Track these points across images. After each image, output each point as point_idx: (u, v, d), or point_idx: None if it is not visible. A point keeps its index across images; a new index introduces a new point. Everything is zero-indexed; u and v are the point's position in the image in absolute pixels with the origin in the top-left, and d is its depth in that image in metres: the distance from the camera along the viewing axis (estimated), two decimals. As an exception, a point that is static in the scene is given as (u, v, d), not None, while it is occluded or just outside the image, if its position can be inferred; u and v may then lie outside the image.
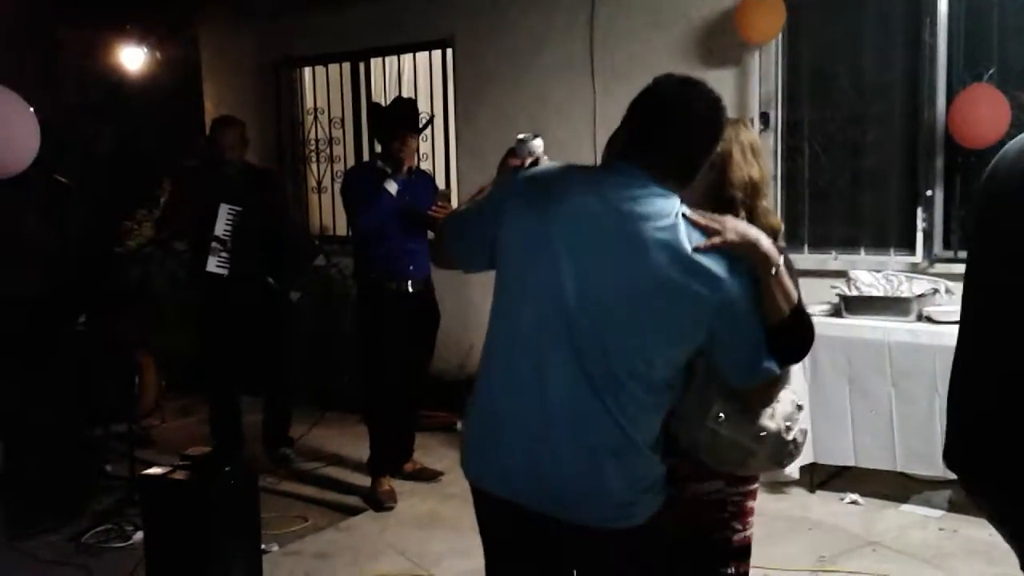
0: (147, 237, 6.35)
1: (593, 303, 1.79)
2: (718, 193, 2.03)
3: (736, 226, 1.81)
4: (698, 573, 2.09)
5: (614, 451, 1.81)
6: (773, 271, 1.79)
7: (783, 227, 2.17)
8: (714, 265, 1.76)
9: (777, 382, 1.89)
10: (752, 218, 2.01)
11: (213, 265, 4.67)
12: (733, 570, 2.09)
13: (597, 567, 1.94)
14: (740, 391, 1.88)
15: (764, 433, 1.91)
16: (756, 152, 2.10)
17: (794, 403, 1.98)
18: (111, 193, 6.83)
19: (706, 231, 1.78)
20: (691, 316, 1.77)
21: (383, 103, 5.59)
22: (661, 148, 1.84)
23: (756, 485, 2.14)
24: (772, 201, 2.09)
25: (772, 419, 1.92)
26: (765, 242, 1.81)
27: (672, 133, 1.85)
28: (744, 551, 2.11)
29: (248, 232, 4.70)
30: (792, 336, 1.85)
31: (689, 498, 2.03)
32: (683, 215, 1.80)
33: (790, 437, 1.94)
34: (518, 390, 1.86)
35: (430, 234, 4.57)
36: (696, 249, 1.75)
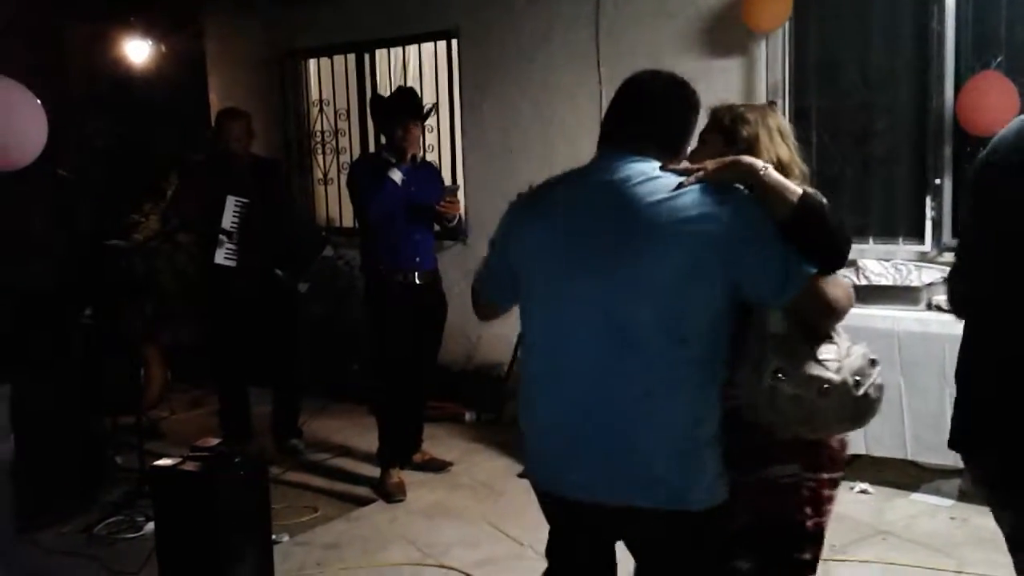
0: (153, 230, 6.37)
1: (617, 286, 1.85)
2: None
3: (708, 161, 1.88)
4: (772, 558, 2.09)
5: (666, 437, 1.84)
6: (760, 173, 1.83)
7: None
8: (702, 201, 1.81)
9: (833, 299, 1.86)
10: None
11: (221, 257, 4.68)
12: (809, 555, 2.09)
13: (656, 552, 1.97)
14: (798, 313, 1.88)
15: (827, 386, 1.87)
16: (784, 135, 2.15)
17: (866, 356, 1.95)
18: (117, 186, 6.85)
19: (685, 173, 1.86)
20: (702, 256, 1.80)
21: (387, 94, 5.59)
22: (629, 127, 1.98)
23: (837, 475, 2.12)
24: (806, 182, 2.09)
25: (838, 372, 1.89)
26: (744, 158, 1.87)
27: (635, 110, 1.99)
28: (818, 537, 2.10)
29: (255, 224, 4.71)
30: (811, 230, 1.83)
31: (764, 481, 2.03)
32: (661, 167, 1.89)
33: (860, 392, 1.89)
34: (566, 393, 1.92)
35: (436, 227, 4.59)
36: (680, 186, 1.83)
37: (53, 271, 5.42)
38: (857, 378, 1.91)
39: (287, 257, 4.86)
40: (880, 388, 1.97)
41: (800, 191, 1.84)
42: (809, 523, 2.08)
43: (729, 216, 1.80)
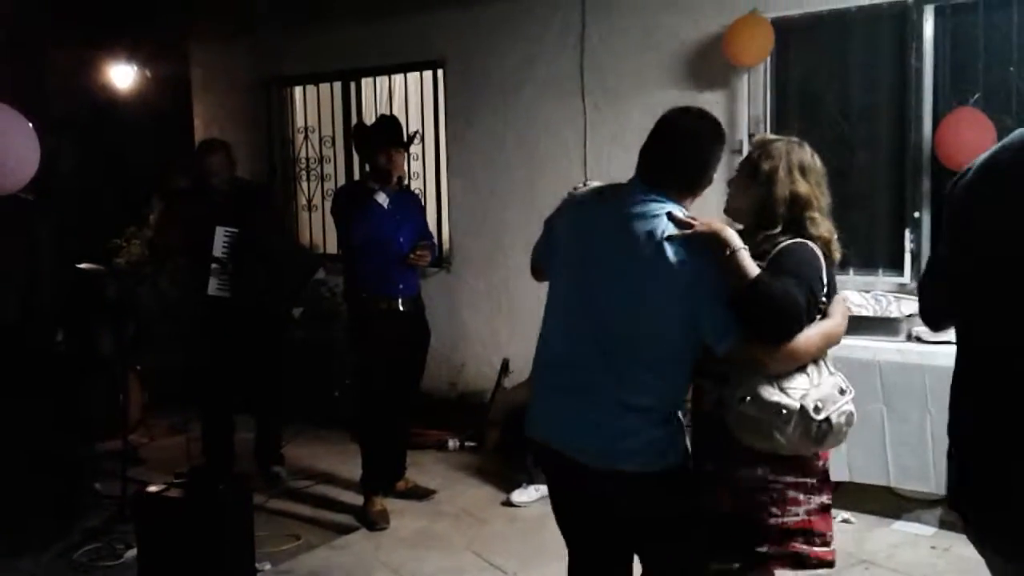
0: (135, 255, 6.34)
1: (601, 293, 2.27)
2: (764, 205, 2.36)
3: (709, 222, 2.20)
4: (738, 548, 2.37)
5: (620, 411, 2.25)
6: (727, 252, 2.14)
7: (834, 236, 2.39)
8: (681, 250, 2.17)
9: (770, 353, 2.17)
10: (800, 229, 2.33)
11: (214, 288, 4.67)
12: (766, 549, 2.34)
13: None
14: (734, 359, 2.20)
15: (785, 411, 2.16)
16: (805, 171, 2.39)
17: (836, 386, 2.23)
18: (98, 211, 6.83)
19: (679, 224, 2.19)
20: (670, 289, 2.18)
21: (370, 123, 5.64)
22: (653, 165, 2.33)
23: (808, 480, 2.37)
24: (825, 214, 2.41)
25: (801, 399, 2.17)
26: (725, 233, 2.17)
27: (659, 151, 2.33)
28: (782, 535, 2.35)
29: (246, 253, 4.70)
30: (753, 308, 2.14)
31: (737, 480, 2.34)
32: (668, 213, 2.22)
33: (820, 417, 2.16)
34: (558, 363, 2.38)
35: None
36: (669, 237, 2.17)
37: (23, 296, 5.37)
38: (818, 404, 2.18)
39: (280, 282, 4.86)
40: (848, 415, 2.23)
41: (754, 277, 2.14)
42: (772, 521, 2.34)
43: (695, 271, 2.16)
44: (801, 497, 2.36)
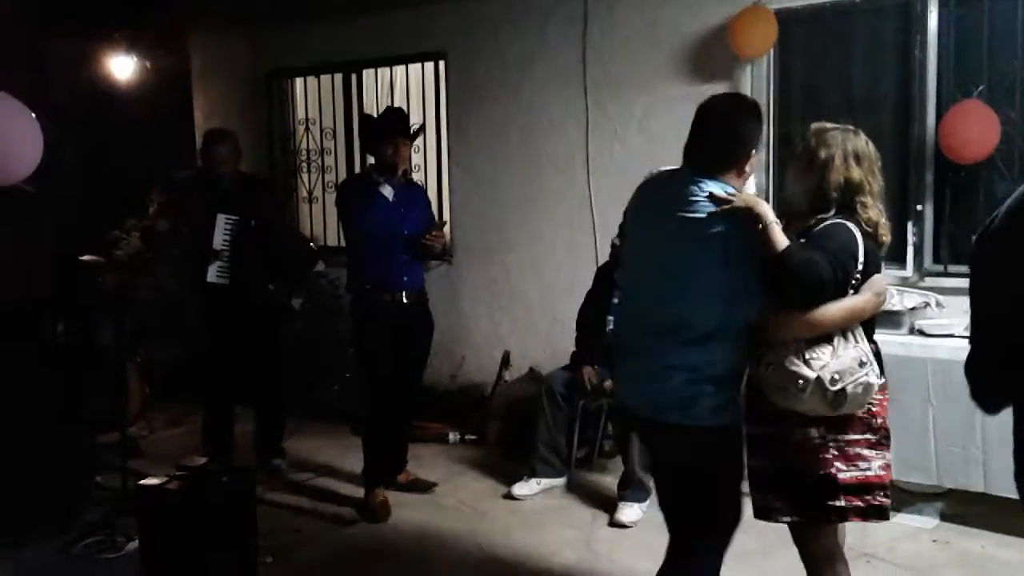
0: (136, 247, 6.32)
1: (656, 270, 2.55)
2: (819, 190, 2.53)
3: (745, 198, 2.41)
4: (810, 505, 2.54)
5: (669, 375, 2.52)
6: (760, 226, 2.35)
7: (882, 219, 2.57)
8: (720, 225, 2.40)
9: (790, 320, 2.40)
10: (850, 213, 2.50)
11: (213, 276, 4.66)
12: (843, 503, 2.52)
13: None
14: (766, 326, 2.43)
15: (802, 381, 2.37)
16: (860, 157, 2.55)
17: (857, 360, 2.42)
18: (99, 203, 6.81)
19: (718, 202, 2.40)
20: (712, 263, 2.42)
21: (375, 115, 5.61)
22: (695, 148, 2.55)
23: (869, 436, 2.55)
24: (877, 198, 2.60)
25: (821, 370, 2.37)
26: (760, 207, 2.37)
27: (697, 133, 2.56)
28: (855, 488, 2.52)
29: (246, 241, 4.70)
30: (779, 276, 2.36)
31: (796, 441, 2.53)
32: (709, 193, 2.42)
33: (835, 388, 2.37)
34: (625, 334, 2.74)
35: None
36: (711, 214, 2.40)
37: (24, 286, 5.38)
38: (835, 376, 2.38)
39: (280, 273, 4.85)
40: (866, 386, 2.42)
41: (784, 247, 2.34)
42: (842, 476, 2.51)
43: (732, 243, 2.40)
44: (866, 452, 2.54)
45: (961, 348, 4.06)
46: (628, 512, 4.25)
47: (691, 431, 2.52)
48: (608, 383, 4.52)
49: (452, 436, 5.56)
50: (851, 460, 2.53)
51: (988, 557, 3.77)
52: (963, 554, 3.79)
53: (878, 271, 2.53)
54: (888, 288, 2.53)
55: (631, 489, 4.32)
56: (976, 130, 4.23)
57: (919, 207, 4.58)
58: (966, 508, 4.08)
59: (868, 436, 2.55)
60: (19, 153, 3.38)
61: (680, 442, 2.56)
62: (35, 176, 3.78)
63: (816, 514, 2.56)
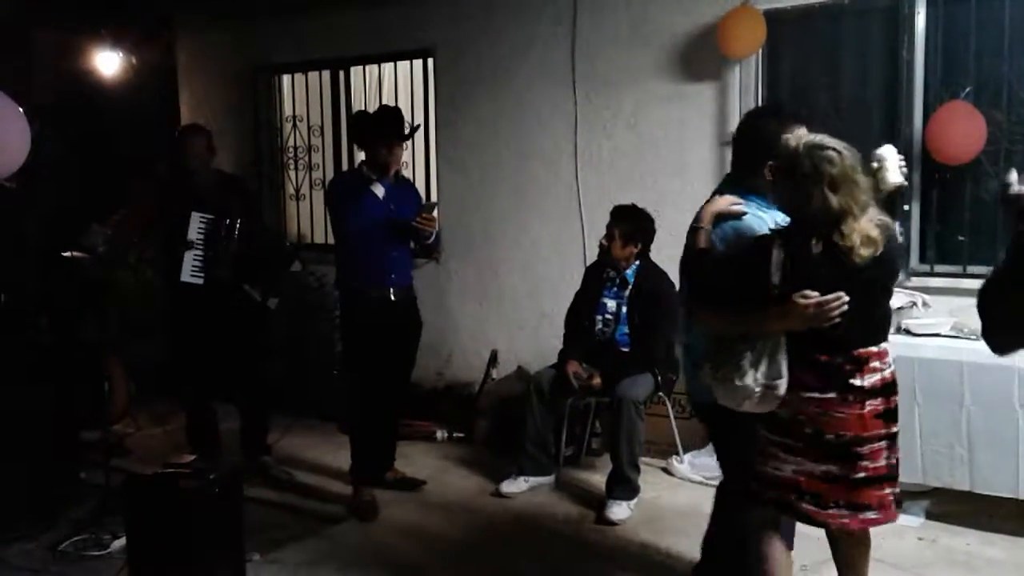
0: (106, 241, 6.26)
1: None
2: (799, 210, 2.55)
3: (721, 200, 2.78)
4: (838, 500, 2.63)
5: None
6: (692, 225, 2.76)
7: (865, 234, 2.51)
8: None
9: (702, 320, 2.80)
10: (833, 237, 2.50)
11: (187, 274, 4.62)
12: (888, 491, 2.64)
13: None
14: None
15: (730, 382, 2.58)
16: (837, 184, 2.48)
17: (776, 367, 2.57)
18: (83, 198, 6.76)
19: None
20: None
21: (366, 111, 5.59)
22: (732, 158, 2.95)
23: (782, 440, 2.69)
24: (865, 212, 2.55)
25: (716, 373, 2.64)
26: (707, 208, 2.76)
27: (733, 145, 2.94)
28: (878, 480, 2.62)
29: (221, 240, 4.67)
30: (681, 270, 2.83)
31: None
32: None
33: (757, 389, 2.56)
34: None
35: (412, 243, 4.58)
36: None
37: (7, 282, 5.33)
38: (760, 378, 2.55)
39: (255, 272, 4.81)
40: (770, 387, 2.55)
41: (697, 248, 2.75)
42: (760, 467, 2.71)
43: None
44: (782, 455, 2.66)
45: (947, 348, 4.12)
46: (616, 510, 4.25)
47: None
48: (597, 380, 4.54)
49: (440, 434, 5.55)
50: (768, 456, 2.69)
51: (973, 555, 3.80)
52: (949, 552, 3.82)
53: (817, 289, 2.49)
54: (815, 310, 2.47)
55: (619, 487, 4.33)
56: (963, 131, 4.26)
57: (906, 207, 4.60)
58: (952, 507, 4.11)
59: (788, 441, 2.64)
60: (8, 147, 3.34)
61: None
62: (19, 171, 3.75)
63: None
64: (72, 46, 7.02)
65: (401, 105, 6.03)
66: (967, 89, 4.40)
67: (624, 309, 4.64)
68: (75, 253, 5.03)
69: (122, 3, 6.78)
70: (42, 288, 5.54)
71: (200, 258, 4.63)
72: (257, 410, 5.09)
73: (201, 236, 4.64)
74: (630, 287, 4.63)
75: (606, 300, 4.70)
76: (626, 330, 4.64)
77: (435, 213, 4.51)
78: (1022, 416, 3.78)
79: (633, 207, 4.62)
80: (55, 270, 5.32)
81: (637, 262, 4.63)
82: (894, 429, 2.63)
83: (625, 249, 4.59)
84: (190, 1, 6.90)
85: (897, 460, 2.66)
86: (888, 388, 2.61)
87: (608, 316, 4.69)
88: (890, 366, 2.64)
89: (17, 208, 5.93)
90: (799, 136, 2.62)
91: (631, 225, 4.59)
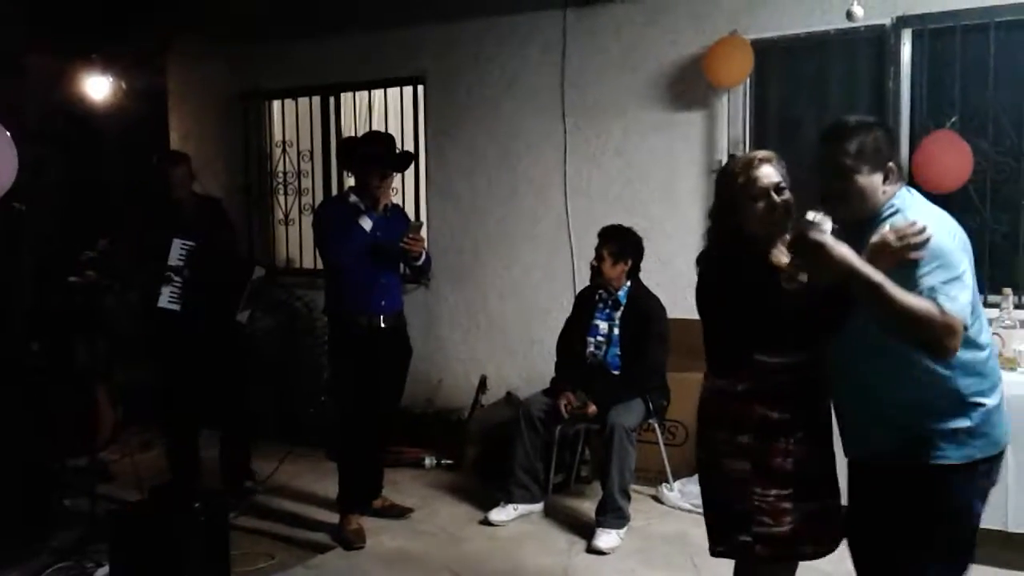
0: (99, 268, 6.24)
1: None
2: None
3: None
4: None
5: None
6: None
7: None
8: None
9: None
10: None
11: (165, 301, 4.59)
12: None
13: None
14: None
15: None
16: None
17: None
18: (74, 222, 6.74)
19: None
20: None
21: (355, 137, 5.60)
22: None
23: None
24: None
25: None
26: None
27: None
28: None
29: (201, 266, 4.65)
30: None
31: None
32: None
33: None
34: None
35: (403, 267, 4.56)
36: None
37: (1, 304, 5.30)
38: None
39: (223, 294, 4.80)
40: None
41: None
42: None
43: None
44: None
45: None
46: (606, 538, 4.23)
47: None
48: (592, 409, 4.53)
49: (428, 461, 5.52)
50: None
51: None
52: None
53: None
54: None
55: (609, 515, 4.30)
56: (949, 160, 4.30)
57: (893, 235, 4.63)
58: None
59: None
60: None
61: None
62: (10, 194, 3.73)
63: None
64: (65, 72, 7.03)
65: (391, 131, 6.06)
66: (953, 119, 4.44)
67: (616, 331, 4.64)
68: (75, 278, 5.02)
69: (114, 29, 6.80)
70: (36, 313, 5.49)
71: (178, 284, 4.61)
72: (239, 435, 5.05)
73: (181, 262, 4.63)
74: (622, 308, 4.64)
75: (598, 322, 4.70)
76: (618, 351, 4.64)
77: (423, 233, 4.47)
78: (1008, 448, 3.77)
79: (620, 226, 4.63)
80: (52, 295, 5.28)
81: (628, 282, 4.64)
82: None
83: (616, 268, 4.60)
84: (182, 28, 6.93)
85: None
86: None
87: (600, 338, 4.69)
88: None
89: (15, 231, 5.90)
90: None
91: (619, 243, 4.60)
